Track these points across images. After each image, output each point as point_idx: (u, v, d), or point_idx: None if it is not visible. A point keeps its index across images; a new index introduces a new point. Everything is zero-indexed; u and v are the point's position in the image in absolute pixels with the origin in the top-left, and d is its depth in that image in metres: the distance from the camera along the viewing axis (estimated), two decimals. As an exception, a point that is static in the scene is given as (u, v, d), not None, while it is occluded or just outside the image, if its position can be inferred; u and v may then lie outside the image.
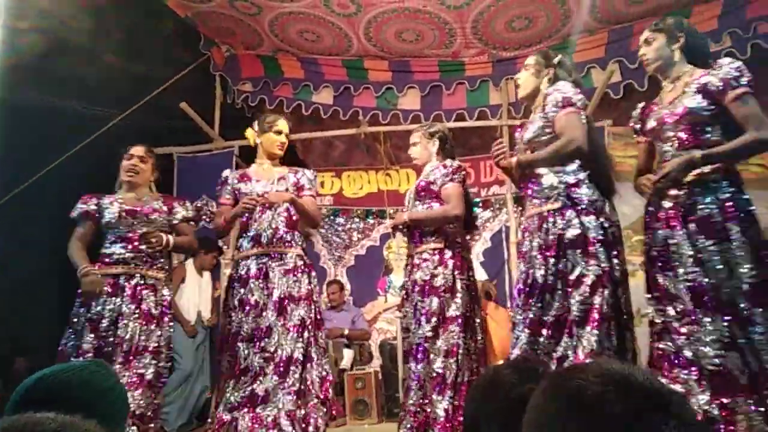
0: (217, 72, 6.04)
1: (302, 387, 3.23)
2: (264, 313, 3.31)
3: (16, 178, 4.53)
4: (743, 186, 2.54)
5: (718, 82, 2.52)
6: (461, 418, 3.02)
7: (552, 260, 2.69)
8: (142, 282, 3.29)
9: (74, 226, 3.41)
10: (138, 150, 3.48)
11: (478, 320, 3.42)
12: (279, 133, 3.58)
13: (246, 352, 3.28)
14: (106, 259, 3.29)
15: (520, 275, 2.86)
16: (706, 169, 2.49)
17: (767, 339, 2.29)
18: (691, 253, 2.45)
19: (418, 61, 5.92)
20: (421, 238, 3.44)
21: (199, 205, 5.60)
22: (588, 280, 2.61)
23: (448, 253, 3.36)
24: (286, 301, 3.33)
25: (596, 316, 2.57)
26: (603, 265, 2.64)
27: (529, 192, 2.89)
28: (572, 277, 2.63)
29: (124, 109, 5.17)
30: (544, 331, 2.65)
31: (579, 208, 2.71)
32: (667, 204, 2.58)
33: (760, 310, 2.32)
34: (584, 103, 2.89)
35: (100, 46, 5.17)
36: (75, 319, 3.14)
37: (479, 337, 3.38)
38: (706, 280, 2.39)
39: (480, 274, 5.27)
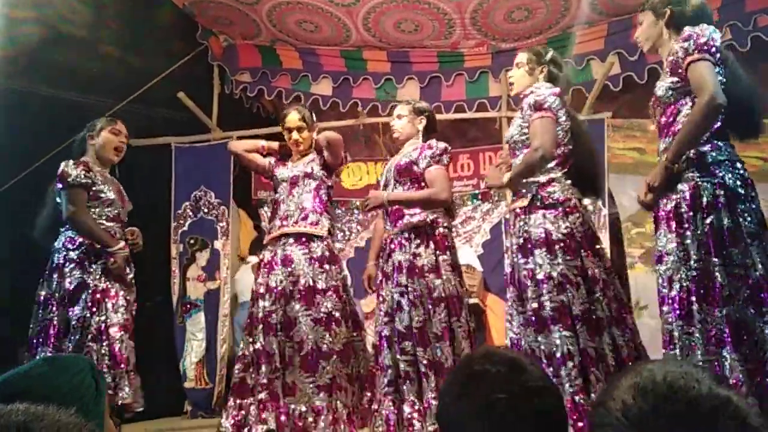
0: (214, 62, 6.00)
1: (330, 382, 3.20)
2: (291, 302, 3.27)
3: (13, 168, 4.51)
4: (720, 165, 2.28)
5: (675, 54, 2.36)
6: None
7: (522, 259, 2.73)
8: None
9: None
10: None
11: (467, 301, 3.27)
12: (289, 130, 3.56)
13: (273, 340, 3.24)
14: None
15: (508, 270, 2.90)
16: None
17: (704, 337, 2.12)
18: (658, 253, 2.39)
19: (417, 52, 5.89)
20: (401, 218, 3.24)
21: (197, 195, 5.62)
22: (555, 280, 2.63)
23: (430, 232, 3.18)
24: (313, 291, 3.28)
25: (563, 316, 2.59)
26: (571, 264, 2.64)
27: None
28: (540, 276, 2.65)
29: (121, 99, 5.13)
30: (526, 328, 2.71)
31: (548, 207, 2.72)
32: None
33: (696, 304, 2.15)
34: (558, 104, 2.82)
35: (97, 37, 5.13)
36: None
37: (465, 320, 3.18)
38: (667, 275, 2.30)
39: (473, 262, 5.27)
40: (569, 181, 2.79)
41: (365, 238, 6.23)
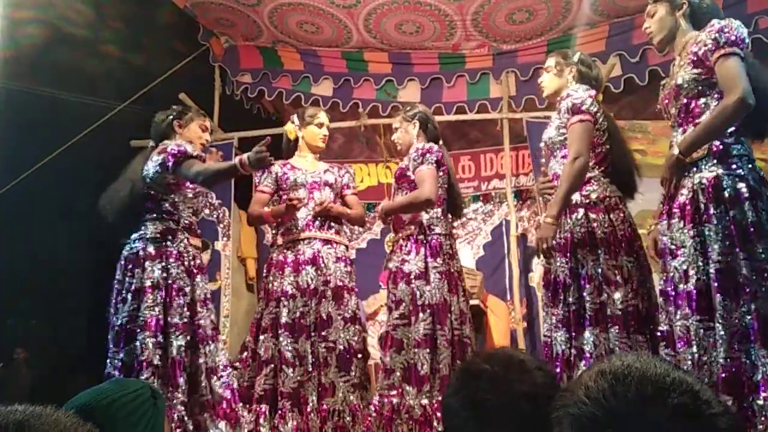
0: (216, 63, 6.01)
1: (362, 380, 3.27)
2: (323, 302, 3.28)
3: (15, 169, 4.52)
4: (741, 159, 2.25)
5: (704, 47, 2.30)
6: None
7: (564, 259, 2.69)
8: None
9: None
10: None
11: (457, 309, 3.22)
12: (321, 125, 3.60)
13: (306, 342, 3.21)
14: None
15: (543, 272, 2.87)
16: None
17: (728, 333, 2.07)
18: (672, 246, 2.33)
19: (418, 54, 5.89)
20: (401, 226, 3.34)
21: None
22: (596, 280, 2.60)
23: (421, 238, 3.21)
24: (342, 289, 3.34)
25: (601, 316, 2.56)
26: (611, 263, 2.60)
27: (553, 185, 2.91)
28: (583, 274, 2.63)
29: (123, 100, 5.15)
30: (560, 329, 2.66)
31: (588, 206, 2.71)
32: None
33: (720, 298, 2.09)
34: (596, 106, 2.84)
35: (99, 37, 5.15)
36: None
37: (459, 327, 3.18)
38: (683, 268, 2.25)
39: (469, 264, 5.27)
40: (607, 179, 2.80)
41: (366, 239, 6.24)
